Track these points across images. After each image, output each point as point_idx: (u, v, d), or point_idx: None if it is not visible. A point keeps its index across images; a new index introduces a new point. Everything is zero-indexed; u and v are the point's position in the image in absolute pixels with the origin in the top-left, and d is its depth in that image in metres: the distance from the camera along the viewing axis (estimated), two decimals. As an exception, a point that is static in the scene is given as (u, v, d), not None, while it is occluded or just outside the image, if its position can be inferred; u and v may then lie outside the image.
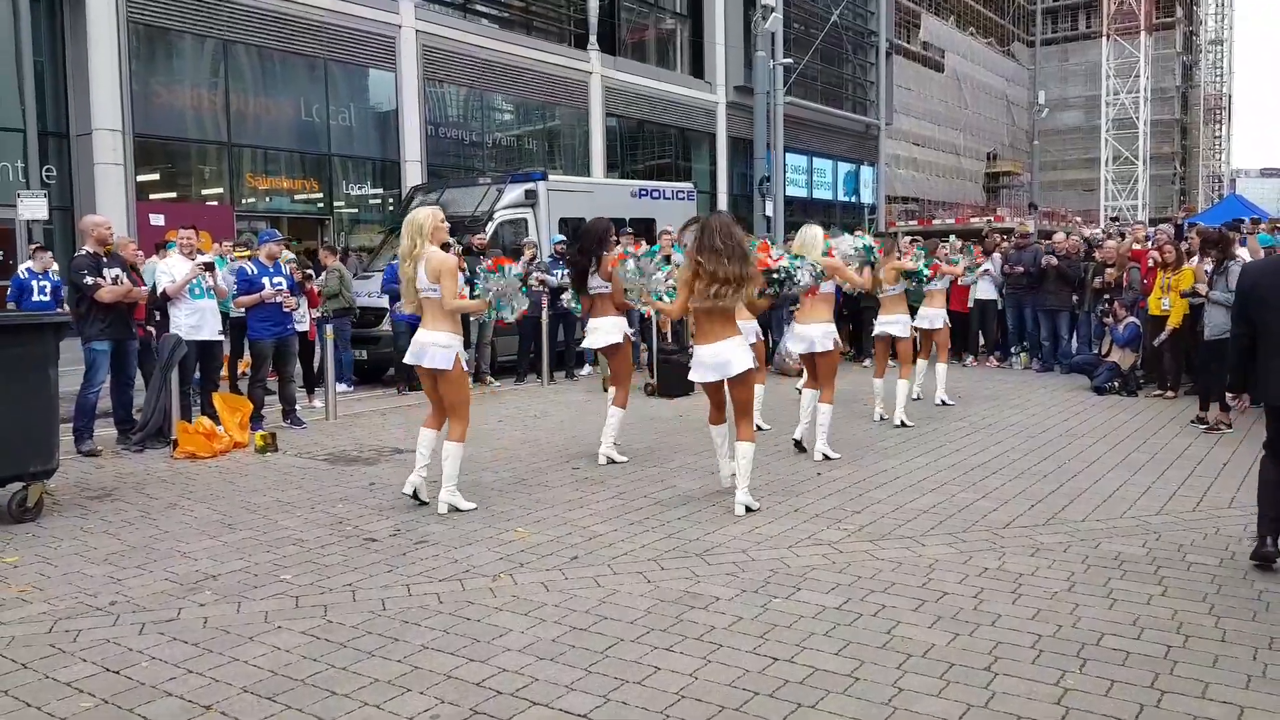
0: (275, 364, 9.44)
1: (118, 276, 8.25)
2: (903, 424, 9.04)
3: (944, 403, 10.26)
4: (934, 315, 10.10)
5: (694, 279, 6.14)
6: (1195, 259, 10.05)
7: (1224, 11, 74.77)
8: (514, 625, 4.32)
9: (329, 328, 10.19)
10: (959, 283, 11.37)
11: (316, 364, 11.12)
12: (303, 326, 10.54)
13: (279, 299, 9.13)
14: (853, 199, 38.63)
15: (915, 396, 10.35)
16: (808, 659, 3.94)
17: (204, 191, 19.18)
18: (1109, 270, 12.05)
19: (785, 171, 27.89)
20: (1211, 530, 5.71)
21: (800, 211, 33.98)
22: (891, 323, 9.24)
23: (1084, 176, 64.19)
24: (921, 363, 10.60)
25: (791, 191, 32.31)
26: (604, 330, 7.73)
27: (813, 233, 7.74)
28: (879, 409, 9.40)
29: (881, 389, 9.39)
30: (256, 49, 19.18)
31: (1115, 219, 39.66)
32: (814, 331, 7.72)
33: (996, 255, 14.02)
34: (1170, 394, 10.76)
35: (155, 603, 4.65)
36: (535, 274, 12.41)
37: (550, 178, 14.72)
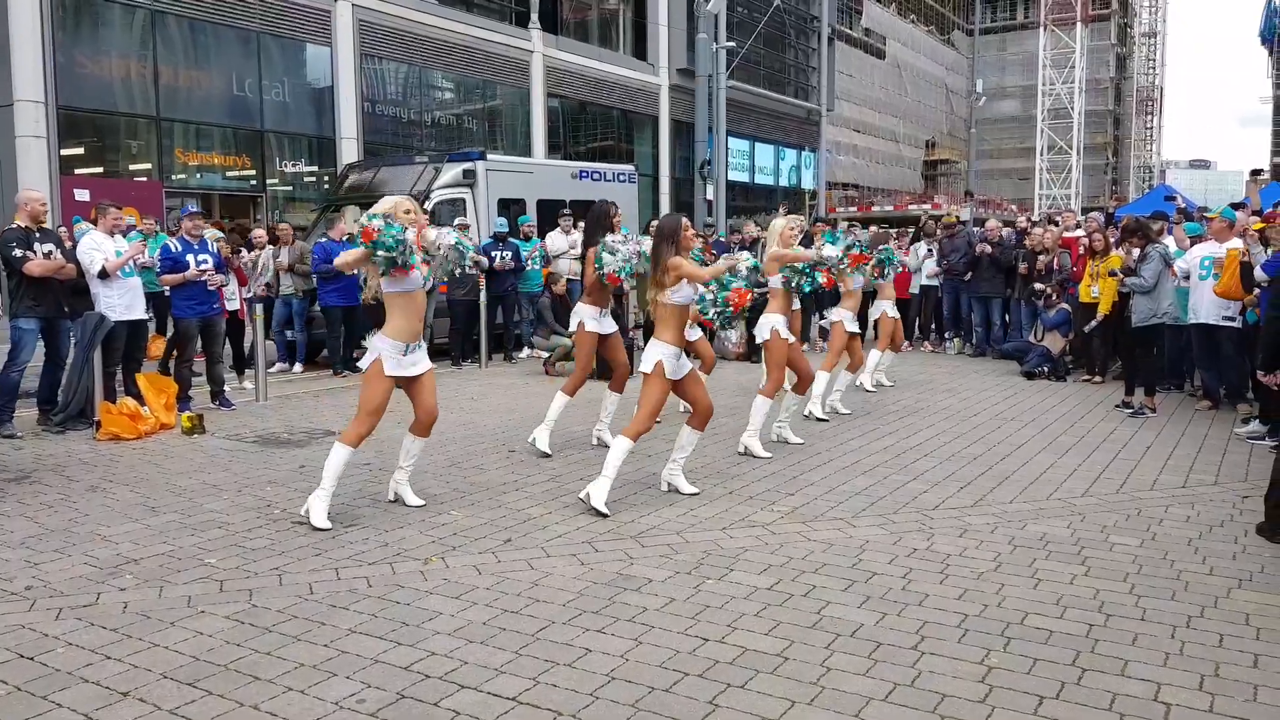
0: (203, 344, 9.23)
1: (50, 252, 7.99)
2: (822, 418, 8.82)
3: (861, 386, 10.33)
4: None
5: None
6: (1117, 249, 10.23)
7: (1157, 5, 76.37)
8: (444, 609, 4.28)
9: (259, 307, 9.99)
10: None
11: (247, 344, 10.90)
12: (233, 305, 10.32)
13: (204, 277, 8.91)
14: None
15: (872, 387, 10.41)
16: (738, 639, 3.95)
17: (132, 167, 18.69)
18: (1040, 257, 12.26)
19: (727, 155, 27.93)
20: (1134, 511, 5.84)
21: (742, 196, 34.13)
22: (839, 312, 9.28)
23: (1020, 165, 65.33)
24: (875, 353, 10.57)
25: (734, 176, 32.40)
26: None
27: (777, 224, 7.68)
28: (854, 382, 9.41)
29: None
30: (188, 20, 18.71)
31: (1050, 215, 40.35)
32: (761, 321, 7.55)
33: (928, 242, 14.20)
34: (1098, 379, 11.00)
35: (73, 587, 4.53)
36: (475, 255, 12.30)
37: (489, 157, 14.54)
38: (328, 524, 5.45)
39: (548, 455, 7.24)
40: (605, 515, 5.65)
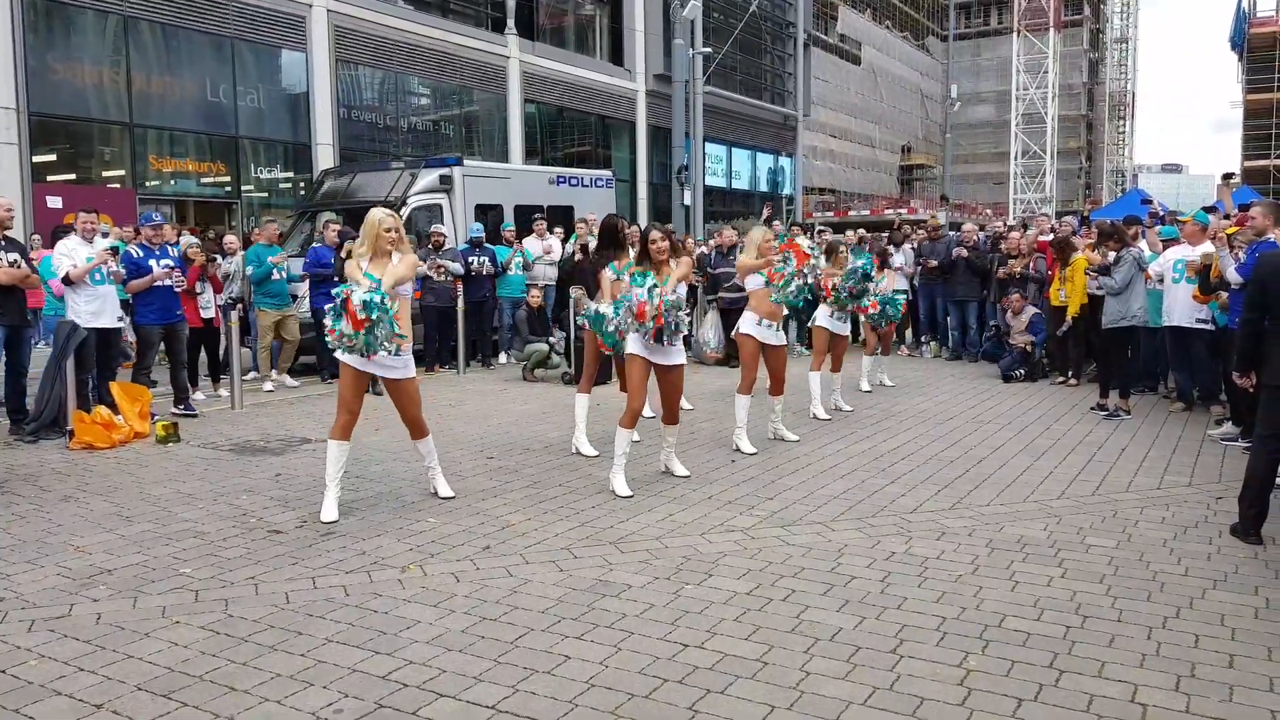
0: (167, 351, 9.17)
1: (15, 261, 7.90)
2: (824, 418, 9.01)
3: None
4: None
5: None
6: (1092, 251, 10.29)
7: (1129, 10, 77.19)
8: (422, 617, 4.25)
9: (234, 314, 9.91)
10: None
11: (222, 351, 10.81)
12: (208, 313, 10.25)
13: (170, 280, 8.84)
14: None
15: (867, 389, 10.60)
16: (718, 645, 3.95)
17: (105, 173, 18.50)
18: (1011, 261, 12.34)
19: (704, 161, 27.96)
20: (1110, 513, 5.88)
21: (719, 201, 34.20)
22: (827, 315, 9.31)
23: (994, 170, 65.72)
24: (868, 358, 10.83)
25: (710, 181, 32.43)
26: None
27: (755, 234, 7.82)
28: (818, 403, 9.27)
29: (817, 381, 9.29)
30: (160, 25, 18.55)
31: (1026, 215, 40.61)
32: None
33: (908, 247, 14.28)
34: (1073, 382, 11.07)
35: (46, 599, 4.47)
36: (440, 261, 12.26)
37: (466, 163, 14.51)
38: (332, 516, 5.69)
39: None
40: (629, 496, 6.21)
